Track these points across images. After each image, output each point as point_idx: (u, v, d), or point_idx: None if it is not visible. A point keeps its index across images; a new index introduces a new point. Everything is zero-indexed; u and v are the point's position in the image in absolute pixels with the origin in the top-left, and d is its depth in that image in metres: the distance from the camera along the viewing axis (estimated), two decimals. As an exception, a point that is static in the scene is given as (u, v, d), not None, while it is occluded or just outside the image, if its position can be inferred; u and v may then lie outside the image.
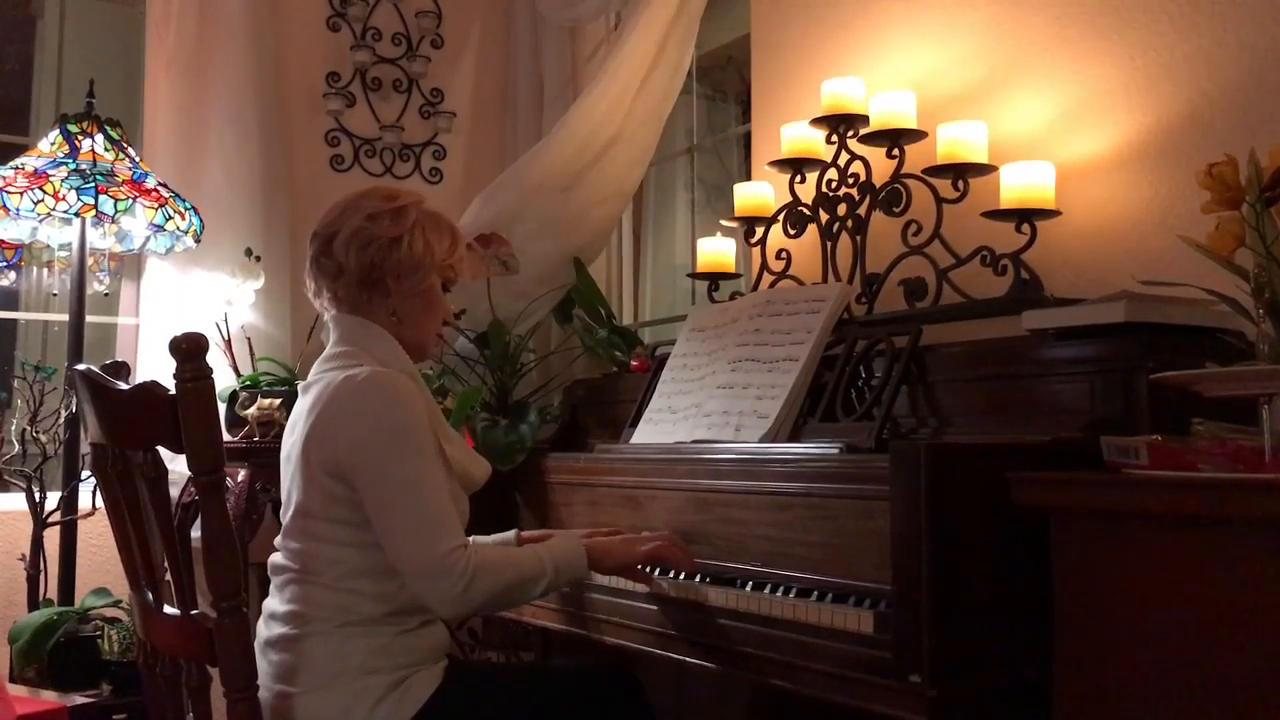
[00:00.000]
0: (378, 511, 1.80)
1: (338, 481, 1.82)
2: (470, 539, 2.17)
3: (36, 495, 2.97)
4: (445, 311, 2.05)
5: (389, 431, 1.80)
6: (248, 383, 3.19)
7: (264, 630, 1.88)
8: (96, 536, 3.16)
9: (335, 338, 1.97)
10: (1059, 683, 1.59)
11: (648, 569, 2.09)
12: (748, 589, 1.93)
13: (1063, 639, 1.59)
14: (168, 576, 1.67)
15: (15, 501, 3.07)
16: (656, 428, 2.47)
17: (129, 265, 3.47)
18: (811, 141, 2.67)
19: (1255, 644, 1.37)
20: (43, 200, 2.87)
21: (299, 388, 1.99)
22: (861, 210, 2.54)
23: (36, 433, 2.99)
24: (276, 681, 1.81)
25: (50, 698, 2.53)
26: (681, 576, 2.06)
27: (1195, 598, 1.43)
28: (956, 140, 2.32)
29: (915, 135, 2.45)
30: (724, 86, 4.10)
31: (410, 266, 1.95)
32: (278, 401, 3.08)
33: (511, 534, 2.23)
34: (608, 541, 2.06)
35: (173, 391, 1.51)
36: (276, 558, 1.92)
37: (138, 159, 3.16)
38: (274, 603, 1.89)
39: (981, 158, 2.32)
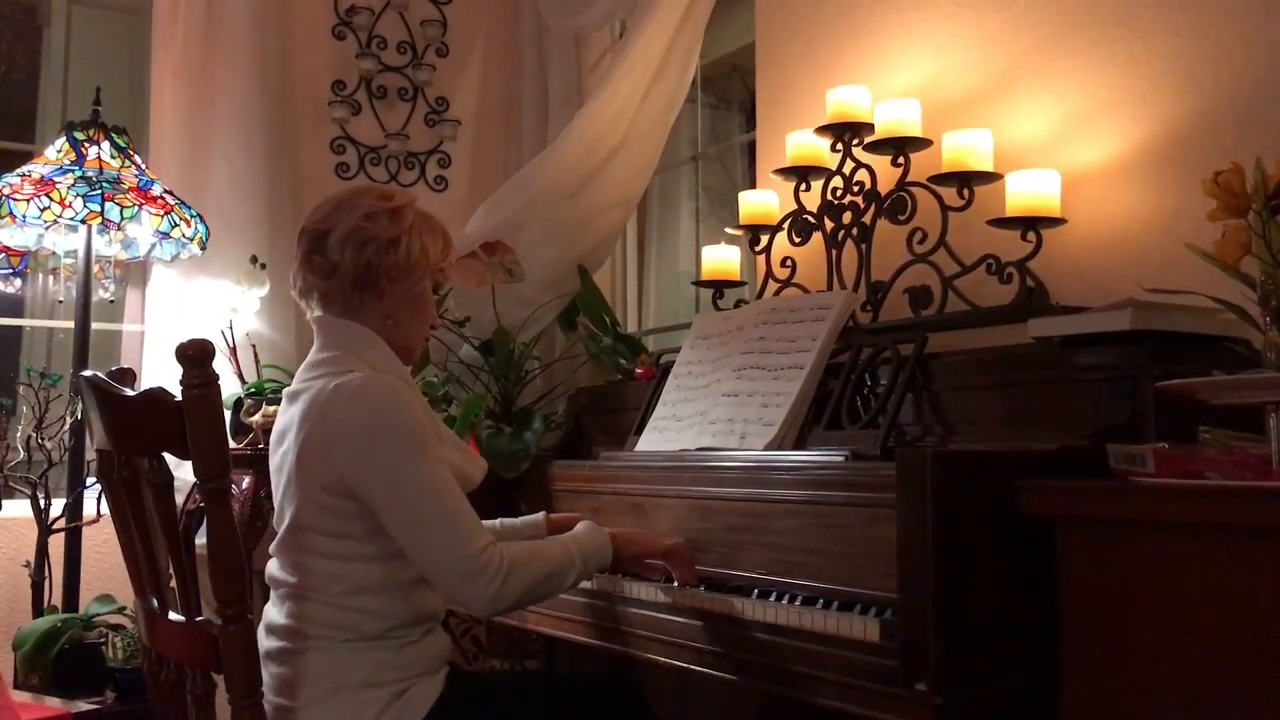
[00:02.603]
0: (399, 521, 1.73)
1: (339, 497, 1.75)
2: (499, 521, 2.17)
3: (41, 502, 2.97)
4: (433, 315, 2.00)
5: (397, 438, 1.74)
6: (252, 390, 3.19)
7: (263, 641, 1.83)
8: (101, 543, 3.17)
9: (320, 342, 1.90)
10: (1065, 691, 1.59)
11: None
12: (753, 597, 1.93)
13: (1069, 647, 1.59)
14: (173, 583, 1.67)
15: (20, 508, 3.07)
16: (661, 435, 2.47)
17: (134, 272, 3.47)
18: (816, 149, 2.67)
19: (1262, 652, 1.37)
20: (49, 207, 2.87)
21: (284, 394, 1.92)
22: (866, 218, 2.54)
23: (41, 439, 2.99)
24: (276, 694, 1.78)
25: (54, 704, 2.53)
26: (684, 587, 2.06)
27: (1202, 606, 1.43)
28: (962, 148, 2.32)
29: (920, 143, 2.45)
30: (728, 95, 4.10)
31: (406, 269, 1.89)
32: (282, 408, 3.08)
33: (540, 516, 2.22)
34: (630, 530, 2.09)
35: (179, 398, 1.51)
36: (274, 568, 1.85)
37: (144, 166, 3.16)
38: (273, 614, 1.84)
39: (987, 165, 2.32)
